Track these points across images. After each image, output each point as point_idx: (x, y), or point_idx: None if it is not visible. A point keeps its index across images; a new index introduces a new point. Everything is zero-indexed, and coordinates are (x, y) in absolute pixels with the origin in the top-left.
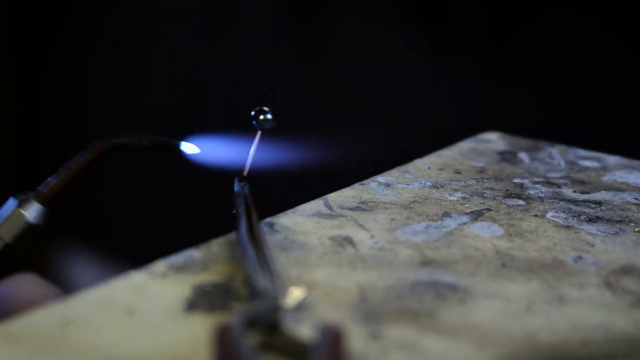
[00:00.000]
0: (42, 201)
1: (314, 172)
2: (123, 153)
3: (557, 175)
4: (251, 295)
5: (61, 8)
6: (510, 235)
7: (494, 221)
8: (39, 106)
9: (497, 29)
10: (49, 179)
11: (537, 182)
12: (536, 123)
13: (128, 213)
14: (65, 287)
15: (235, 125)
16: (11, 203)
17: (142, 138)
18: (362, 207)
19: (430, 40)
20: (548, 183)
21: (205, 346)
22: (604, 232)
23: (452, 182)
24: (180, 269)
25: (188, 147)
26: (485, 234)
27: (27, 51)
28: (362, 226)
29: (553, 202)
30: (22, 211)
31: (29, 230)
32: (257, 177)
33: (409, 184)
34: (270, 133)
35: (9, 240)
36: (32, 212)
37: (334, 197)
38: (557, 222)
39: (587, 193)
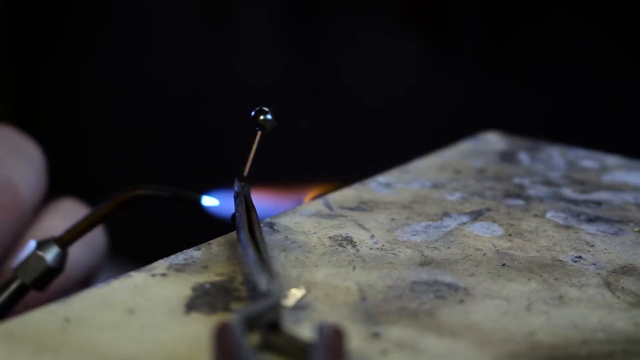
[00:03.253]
0: (61, 245)
1: (315, 172)
2: (142, 201)
3: (557, 175)
4: (251, 295)
5: (61, 9)
6: (510, 235)
7: (494, 221)
8: (38, 107)
9: (497, 29)
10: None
11: (537, 182)
12: (536, 123)
13: (128, 213)
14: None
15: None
16: (31, 245)
17: (163, 190)
18: (362, 207)
19: (430, 41)
20: (548, 183)
21: (205, 346)
22: (604, 232)
23: (452, 182)
24: (180, 269)
25: (208, 201)
26: (485, 234)
27: (27, 52)
28: (362, 226)
29: (553, 202)
30: (41, 254)
31: (48, 273)
32: (257, 178)
33: (409, 184)
34: (271, 134)
35: (28, 282)
36: (51, 255)
37: (334, 197)
38: (556, 222)
39: (587, 193)
